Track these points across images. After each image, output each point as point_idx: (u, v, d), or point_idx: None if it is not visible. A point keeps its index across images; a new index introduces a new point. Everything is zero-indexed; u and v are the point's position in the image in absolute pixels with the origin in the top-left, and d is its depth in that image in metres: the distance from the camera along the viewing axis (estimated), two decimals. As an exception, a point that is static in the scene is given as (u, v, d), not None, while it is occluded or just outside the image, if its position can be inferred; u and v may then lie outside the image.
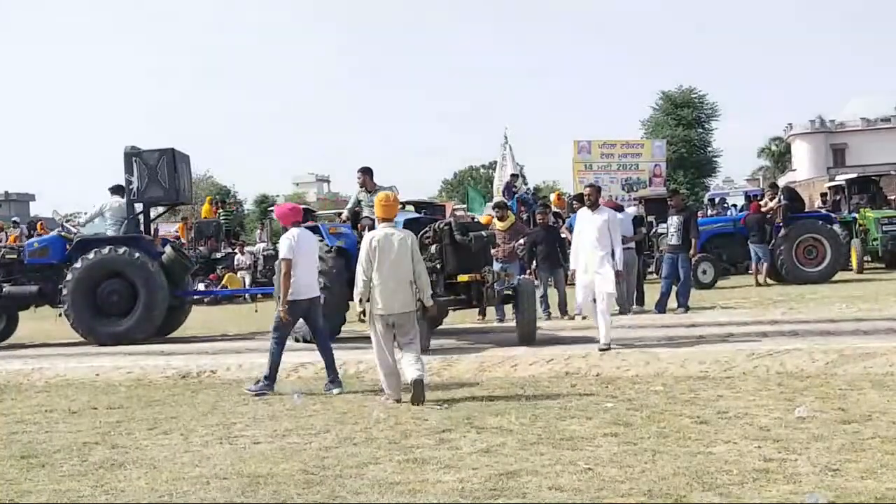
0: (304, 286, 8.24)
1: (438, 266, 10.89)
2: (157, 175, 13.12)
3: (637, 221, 14.51)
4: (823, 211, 21.89)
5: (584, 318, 13.11)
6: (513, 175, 29.79)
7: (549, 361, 8.95)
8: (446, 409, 6.92)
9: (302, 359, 10.01)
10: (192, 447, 5.98)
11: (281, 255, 8.24)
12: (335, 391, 8.08)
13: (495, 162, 39.93)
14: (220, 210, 26.83)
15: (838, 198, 23.66)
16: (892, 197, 25.99)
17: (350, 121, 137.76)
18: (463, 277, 10.67)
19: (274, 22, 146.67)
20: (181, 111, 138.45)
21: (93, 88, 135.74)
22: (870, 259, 22.18)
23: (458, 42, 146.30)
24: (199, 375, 9.60)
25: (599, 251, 9.46)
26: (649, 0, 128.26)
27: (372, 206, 11.67)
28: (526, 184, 35.68)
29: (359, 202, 12.03)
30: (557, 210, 24.52)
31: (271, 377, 8.22)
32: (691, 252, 13.46)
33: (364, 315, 7.66)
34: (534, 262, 13.89)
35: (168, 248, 13.54)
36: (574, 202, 14.69)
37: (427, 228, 11.45)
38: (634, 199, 26.93)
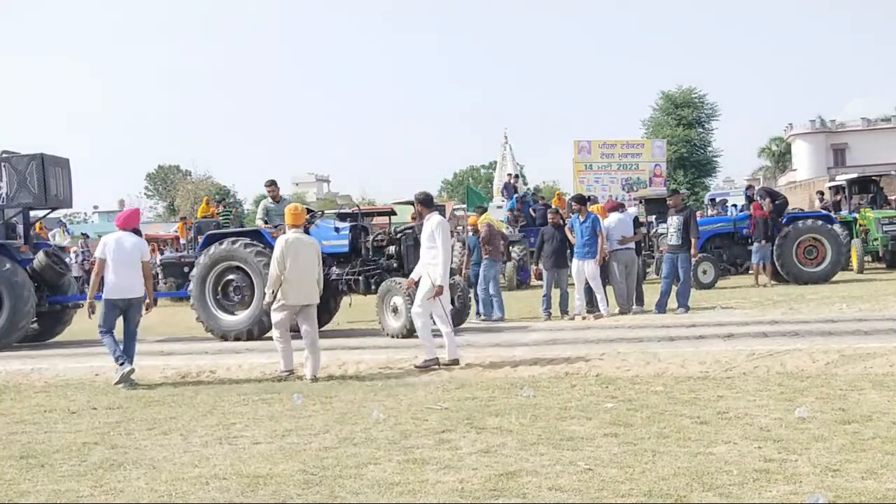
0: (116, 287, 9.09)
1: (395, 265, 12.55)
2: (27, 181, 13.06)
3: (635, 222, 14.48)
4: (819, 208, 21.93)
5: (583, 318, 13.16)
6: (509, 175, 29.82)
7: (550, 361, 8.94)
8: (446, 409, 6.91)
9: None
10: (191, 447, 5.97)
11: (95, 255, 9.45)
12: (121, 387, 8.90)
13: (495, 162, 40.03)
14: (220, 210, 26.82)
15: (839, 198, 23.67)
16: (893, 197, 26.01)
17: (350, 121, 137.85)
18: None
19: (274, 22, 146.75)
20: (181, 111, 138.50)
21: (92, 88, 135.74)
22: (870, 259, 22.19)
23: (459, 41, 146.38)
24: (199, 375, 9.60)
25: (428, 262, 9.26)
26: (649, 0, 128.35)
27: (281, 215, 12.82)
28: (526, 184, 35.63)
29: (267, 212, 13.40)
30: (558, 210, 24.56)
31: (119, 361, 9.04)
32: (692, 252, 13.44)
33: (272, 305, 9.02)
34: (539, 261, 13.96)
35: (40, 255, 13.49)
36: (573, 203, 14.69)
37: (379, 232, 13.32)
38: (634, 199, 26.95)
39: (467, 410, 6.83)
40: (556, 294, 13.75)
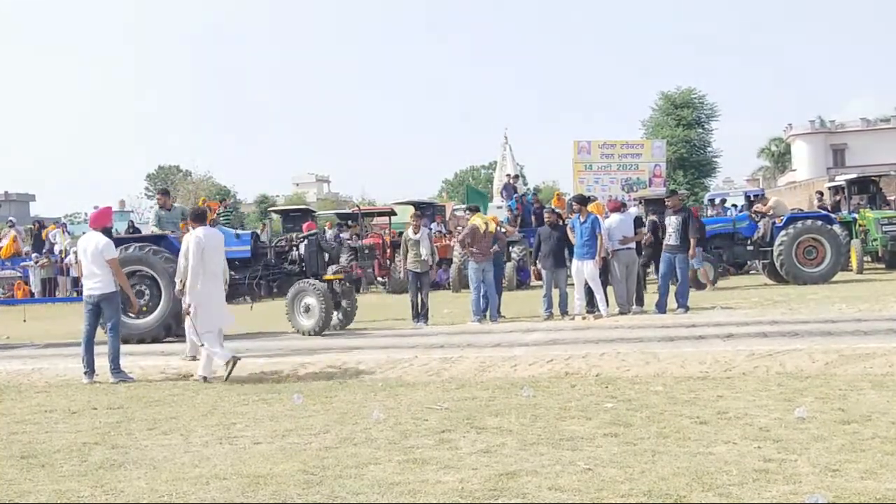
0: (84, 286, 9.65)
1: (297, 269, 13.70)
2: None
3: (637, 222, 14.47)
4: (817, 207, 21.89)
5: (583, 318, 13.17)
6: (509, 175, 29.84)
7: (549, 361, 8.94)
8: (446, 409, 6.91)
9: (303, 359, 10.04)
10: (191, 447, 5.98)
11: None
12: (112, 380, 9.32)
13: (495, 162, 40.05)
14: (221, 210, 26.76)
15: (838, 198, 23.68)
16: (892, 197, 25.99)
17: (350, 121, 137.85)
18: (328, 277, 13.27)
19: (274, 21, 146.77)
20: (180, 111, 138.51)
21: (92, 88, 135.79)
22: (870, 259, 22.19)
23: (459, 41, 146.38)
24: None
25: None
26: (650, 1, 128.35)
27: (171, 222, 14.16)
28: (526, 184, 35.62)
29: (159, 219, 14.20)
30: (557, 210, 24.51)
31: (84, 370, 9.57)
32: (690, 252, 13.45)
33: (182, 292, 9.60)
34: (537, 261, 13.97)
35: None
36: (573, 203, 14.70)
37: (281, 238, 15.02)
38: (634, 200, 26.97)
39: (467, 410, 6.84)
40: (556, 294, 13.76)
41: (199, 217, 9.73)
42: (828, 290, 16.25)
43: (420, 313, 13.89)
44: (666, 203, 14.58)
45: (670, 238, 13.53)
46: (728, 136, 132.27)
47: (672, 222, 13.54)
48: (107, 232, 10.25)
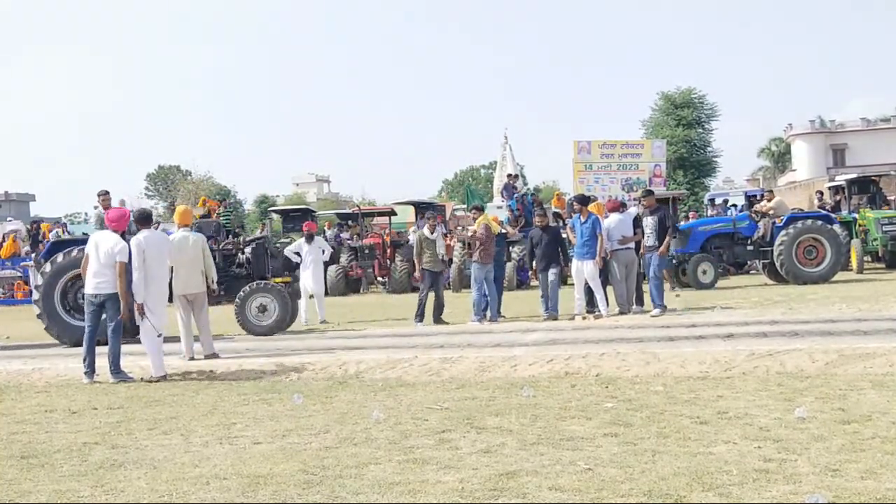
0: (88, 283, 9.45)
1: (245, 272, 14.10)
2: None
3: (636, 222, 14.48)
4: (817, 207, 21.92)
5: (583, 318, 13.17)
6: (509, 175, 29.85)
7: (549, 361, 8.94)
8: (446, 409, 6.91)
9: (303, 359, 10.03)
10: (192, 447, 5.97)
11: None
12: (112, 380, 9.27)
13: (495, 162, 40.09)
14: (220, 210, 26.78)
15: (838, 198, 23.68)
16: (892, 197, 26.02)
17: (350, 121, 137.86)
18: (276, 280, 13.75)
19: (274, 22, 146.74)
20: (180, 111, 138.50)
21: (92, 88, 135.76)
22: (870, 259, 22.20)
23: (458, 41, 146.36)
24: (199, 375, 9.60)
25: None
26: (649, 0, 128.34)
27: None
28: (526, 184, 35.63)
29: (101, 221, 13.98)
30: (557, 210, 24.53)
31: (84, 370, 9.48)
32: (661, 249, 13.42)
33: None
34: (533, 263, 13.98)
35: None
36: (574, 203, 14.68)
37: (228, 242, 15.47)
38: (634, 200, 27.01)
39: (467, 410, 6.84)
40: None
41: (142, 220, 9.83)
42: (828, 290, 16.25)
43: (420, 313, 13.90)
44: (642, 203, 14.58)
45: (648, 239, 13.57)
46: (728, 136, 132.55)
47: (648, 223, 13.59)
48: (122, 235, 10.16)
